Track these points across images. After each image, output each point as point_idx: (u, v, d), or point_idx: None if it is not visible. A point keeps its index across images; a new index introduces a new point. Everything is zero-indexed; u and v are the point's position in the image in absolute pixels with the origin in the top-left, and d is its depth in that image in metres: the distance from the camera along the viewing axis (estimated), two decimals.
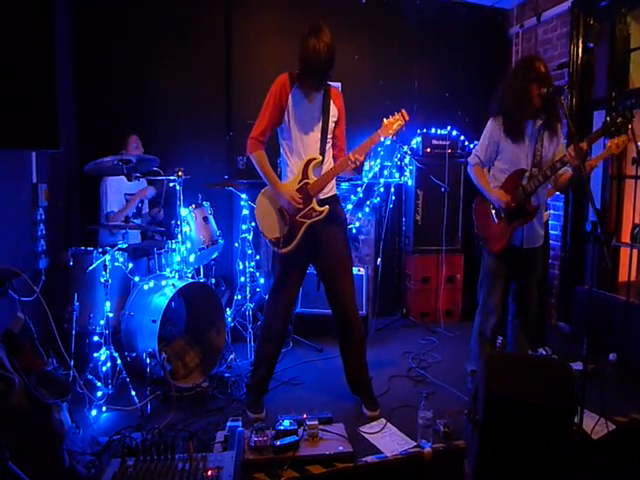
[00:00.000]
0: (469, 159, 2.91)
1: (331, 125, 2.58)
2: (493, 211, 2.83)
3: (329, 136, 2.57)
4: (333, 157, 2.64)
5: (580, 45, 4.08)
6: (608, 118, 2.53)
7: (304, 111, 2.52)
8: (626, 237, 3.81)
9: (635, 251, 3.40)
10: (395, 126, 2.46)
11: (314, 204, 2.53)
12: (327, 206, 2.54)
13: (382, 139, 2.49)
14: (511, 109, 2.68)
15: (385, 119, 2.49)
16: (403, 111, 2.47)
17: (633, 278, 3.28)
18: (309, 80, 2.44)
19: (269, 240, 2.61)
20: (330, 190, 2.64)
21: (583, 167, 2.39)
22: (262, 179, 2.58)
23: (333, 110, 2.58)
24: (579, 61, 4.10)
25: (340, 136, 2.66)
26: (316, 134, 2.55)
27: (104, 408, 2.63)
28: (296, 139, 2.55)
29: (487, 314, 2.89)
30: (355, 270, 3.92)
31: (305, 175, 2.54)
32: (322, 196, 2.59)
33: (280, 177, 2.68)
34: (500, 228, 2.80)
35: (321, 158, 2.54)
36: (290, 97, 2.51)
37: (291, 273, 2.65)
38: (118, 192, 3.56)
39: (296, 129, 2.54)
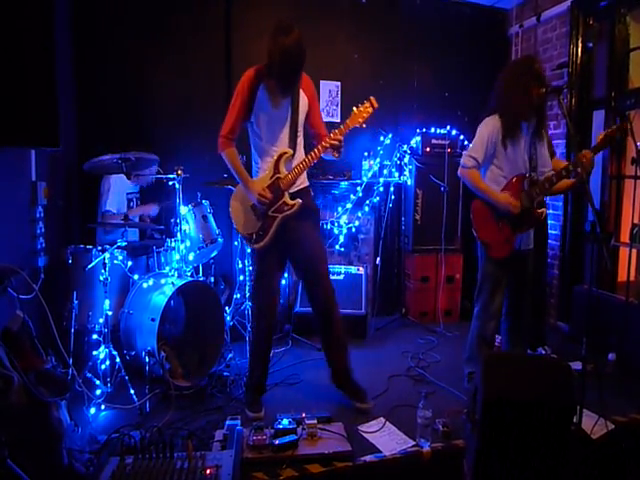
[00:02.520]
0: (463, 161, 2.77)
1: (301, 118, 2.56)
2: (496, 217, 2.74)
3: (299, 130, 2.57)
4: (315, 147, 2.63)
5: (579, 45, 4.08)
6: (607, 131, 2.56)
7: (272, 106, 2.51)
8: (625, 237, 3.82)
9: (634, 251, 3.40)
10: (365, 114, 2.45)
11: (286, 198, 2.54)
12: (299, 200, 2.54)
13: (350, 128, 2.47)
14: (512, 108, 2.66)
15: (355, 108, 2.47)
16: (372, 98, 2.45)
17: (632, 278, 3.28)
18: (275, 79, 2.41)
19: (242, 236, 2.66)
20: (302, 182, 2.65)
21: (587, 178, 2.41)
22: (234, 177, 2.61)
23: (303, 101, 2.56)
24: (578, 61, 4.10)
25: (318, 125, 2.64)
26: (285, 129, 2.54)
27: (103, 406, 2.62)
28: (265, 135, 2.55)
29: (488, 319, 2.83)
30: (354, 269, 3.95)
31: (277, 170, 2.54)
32: (294, 189, 2.60)
33: (251, 174, 2.68)
34: (505, 234, 2.72)
35: (292, 152, 2.54)
36: (257, 92, 2.49)
37: (269, 267, 2.66)
38: (120, 191, 3.53)
39: (264, 125, 2.53)
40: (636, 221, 3.57)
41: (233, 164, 2.56)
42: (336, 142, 2.43)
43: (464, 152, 2.84)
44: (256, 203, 2.54)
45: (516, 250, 2.77)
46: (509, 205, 2.66)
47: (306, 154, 2.57)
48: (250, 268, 3.66)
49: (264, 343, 2.73)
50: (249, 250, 3.66)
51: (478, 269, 2.90)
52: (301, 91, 2.55)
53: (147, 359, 2.71)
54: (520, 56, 3.57)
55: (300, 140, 2.61)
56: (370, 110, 2.44)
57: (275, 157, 2.54)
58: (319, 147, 2.48)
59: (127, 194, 3.60)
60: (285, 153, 2.53)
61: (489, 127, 2.73)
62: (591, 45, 4.07)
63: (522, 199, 2.67)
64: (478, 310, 2.89)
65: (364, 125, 2.49)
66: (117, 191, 3.51)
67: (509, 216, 2.69)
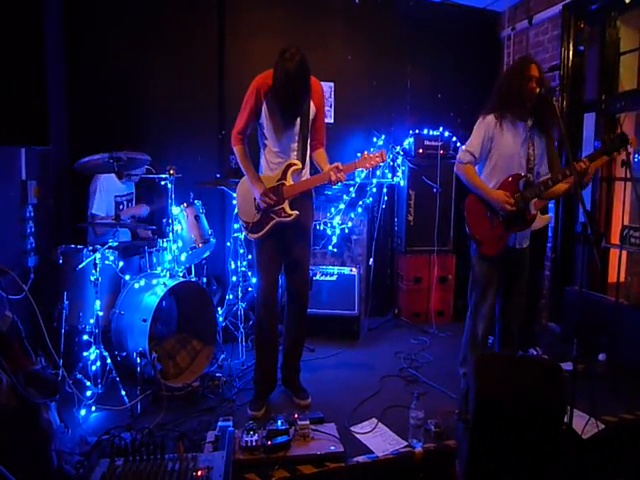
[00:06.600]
0: (459, 157, 2.79)
1: (310, 129, 2.62)
2: (489, 214, 2.73)
3: (308, 143, 2.63)
4: (310, 150, 2.69)
5: (571, 48, 4.11)
6: (605, 139, 2.58)
7: (280, 117, 2.54)
8: (615, 238, 3.84)
9: (624, 252, 3.42)
10: (373, 162, 2.54)
11: (285, 205, 2.61)
12: (297, 212, 2.60)
13: (357, 169, 2.59)
14: (506, 106, 2.67)
15: (366, 152, 2.56)
16: (383, 151, 2.54)
17: (622, 279, 3.31)
18: (280, 103, 2.45)
19: (242, 221, 2.75)
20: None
21: (579, 184, 2.41)
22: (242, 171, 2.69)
23: (312, 110, 2.60)
24: (570, 64, 4.13)
25: (319, 130, 2.68)
26: (295, 142, 2.60)
27: (93, 408, 2.60)
28: (273, 140, 2.61)
29: (480, 318, 2.84)
30: (347, 270, 3.95)
31: (284, 176, 2.61)
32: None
33: (257, 167, 2.73)
34: (497, 233, 2.72)
35: (301, 166, 2.62)
36: (266, 102, 2.53)
37: (268, 259, 2.71)
38: (108, 194, 3.48)
39: (272, 131, 2.58)
40: (626, 223, 3.60)
41: (241, 160, 2.66)
42: (341, 180, 2.51)
43: (461, 147, 2.83)
44: (257, 200, 2.61)
45: (510, 248, 2.76)
46: (505, 204, 2.64)
47: (311, 172, 2.72)
48: (243, 269, 3.65)
49: (265, 333, 2.76)
50: (242, 251, 3.65)
51: (471, 268, 2.89)
52: (311, 101, 2.59)
53: (138, 360, 2.69)
54: (517, 58, 3.59)
55: (309, 153, 2.68)
56: (379, 160, 2.54)
57: (284, 165, 2.61)
58: (325, 176, 2.55)
59: (116, 197, 3.55)
60: (295, 165, 2.61)
61: (486, 123, 2.72)
62: (582, 48, 4.11)
63: (517, 200, 2.66)
64: (470, 310, 2.91)
65: (368, 168, 2.61)
66: (105, 194, 3.46)
67: (502, 214, 2.69)
